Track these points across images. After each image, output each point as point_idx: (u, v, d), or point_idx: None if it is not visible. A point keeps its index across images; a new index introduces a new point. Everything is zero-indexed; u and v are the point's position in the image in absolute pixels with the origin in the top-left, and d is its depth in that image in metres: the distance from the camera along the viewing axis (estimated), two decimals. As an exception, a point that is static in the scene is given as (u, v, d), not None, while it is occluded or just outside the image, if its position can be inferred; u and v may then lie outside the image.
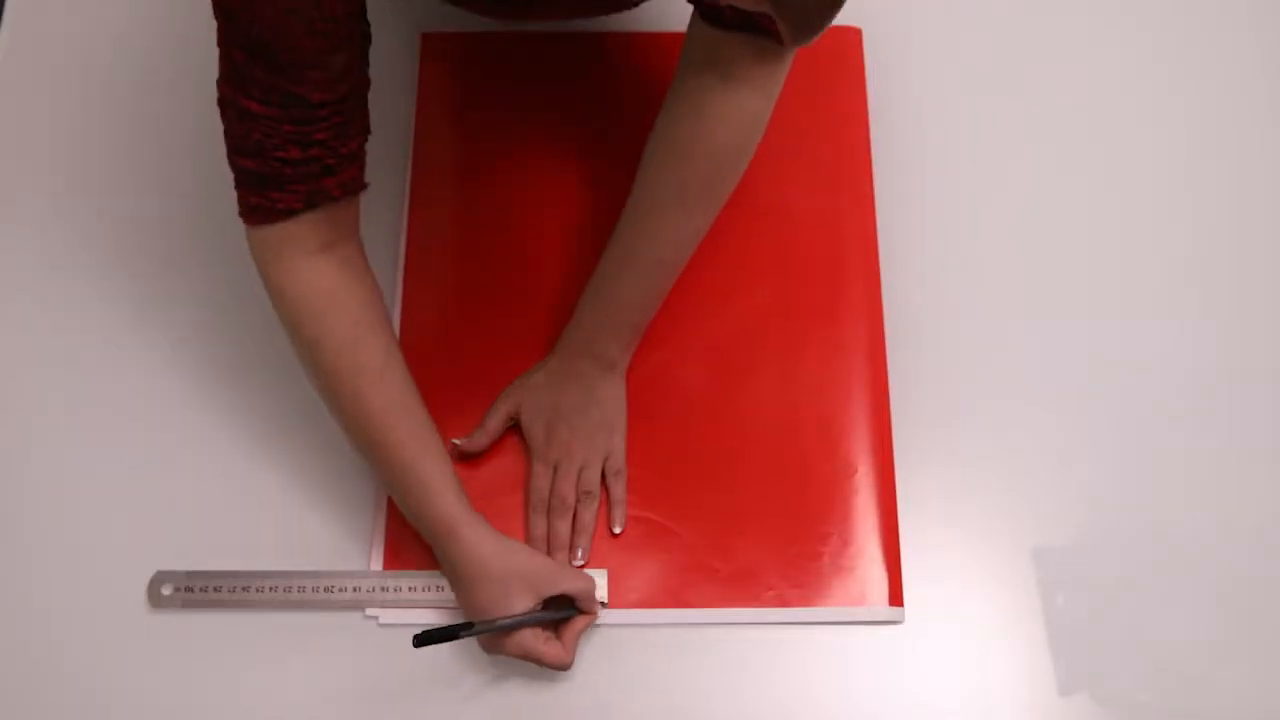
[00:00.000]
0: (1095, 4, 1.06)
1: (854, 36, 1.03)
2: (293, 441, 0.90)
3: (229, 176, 0.75)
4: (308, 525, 0.88)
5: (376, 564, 0.86)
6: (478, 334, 0.93)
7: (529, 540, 0.87)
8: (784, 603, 0.85)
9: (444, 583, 0.84)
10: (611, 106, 1.00)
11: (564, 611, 0.82)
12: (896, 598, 0.86)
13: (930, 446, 0.90)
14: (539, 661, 0.80)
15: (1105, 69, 1.03)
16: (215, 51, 0.70)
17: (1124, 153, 1.00)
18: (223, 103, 0.73)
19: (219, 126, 0.73)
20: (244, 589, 0.85)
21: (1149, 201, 0.99)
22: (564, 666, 0.81)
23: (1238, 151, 1.00)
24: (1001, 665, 0.85)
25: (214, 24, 0.69)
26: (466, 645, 0.83)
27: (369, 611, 0.85)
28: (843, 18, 1.02)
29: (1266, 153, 1.00)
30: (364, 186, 0.78)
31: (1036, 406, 0.92)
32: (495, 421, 0.89)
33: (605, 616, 0.85)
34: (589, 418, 0.88)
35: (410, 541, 0.85)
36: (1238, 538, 0.88)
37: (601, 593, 0.84)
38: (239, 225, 0.77)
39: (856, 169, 0.98)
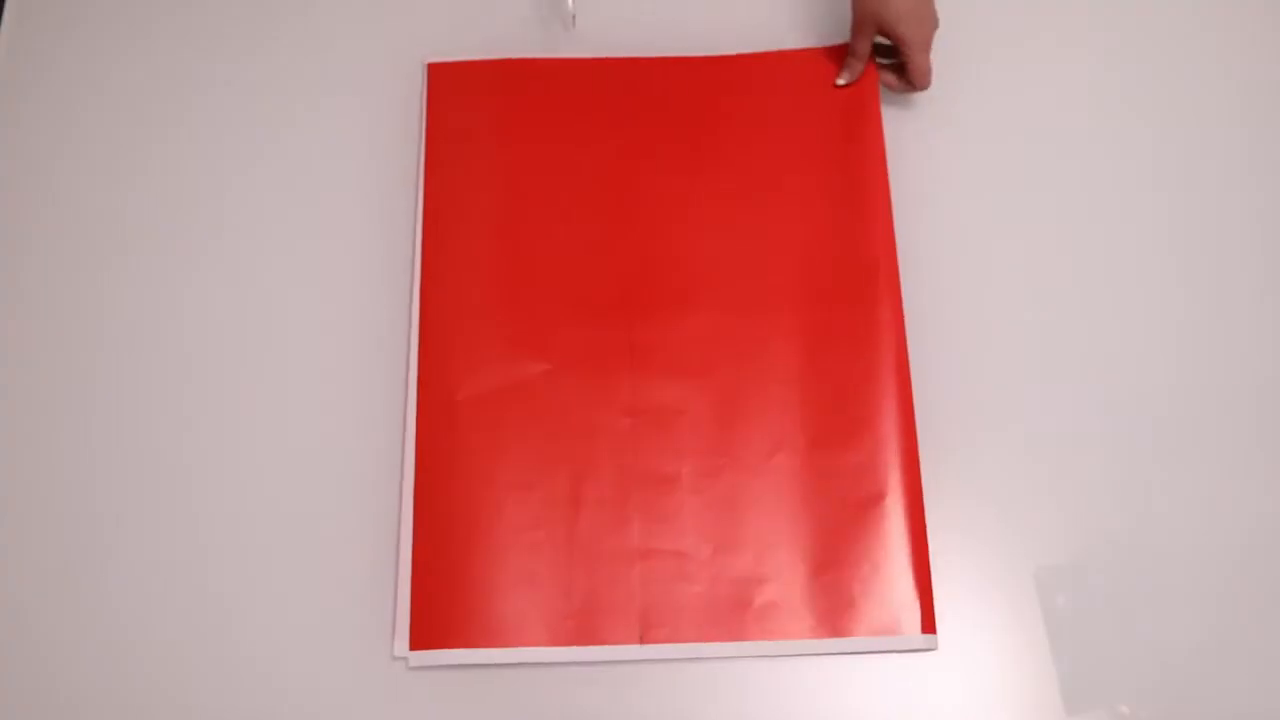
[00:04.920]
0: (1109, 18, 1.05)
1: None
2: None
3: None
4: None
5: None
6: (495, 354, 0.92)
7: None
8: (815, 634, 0.85)
9: None
10: (623, 132, 0.99)
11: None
12: (929, 625, 0.85)
13: (957, 472, 0.89)
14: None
15: (1124, 74, 1.02)
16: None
17: (1154, 162, 0.99)
18: None
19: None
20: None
21: (1181, 221, 0.97)
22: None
23: (1243, 170, 0.99)
24: (1035, 690, 0.84)
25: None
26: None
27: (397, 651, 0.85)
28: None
29: (1263, 164, 0.99)
30: None
31: (1066, 432, 0.90)
32: (862, 44, 0.98)
33: (636, 653, 0.84)
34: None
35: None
36: None
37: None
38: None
39: (873, 186, 0.96)
